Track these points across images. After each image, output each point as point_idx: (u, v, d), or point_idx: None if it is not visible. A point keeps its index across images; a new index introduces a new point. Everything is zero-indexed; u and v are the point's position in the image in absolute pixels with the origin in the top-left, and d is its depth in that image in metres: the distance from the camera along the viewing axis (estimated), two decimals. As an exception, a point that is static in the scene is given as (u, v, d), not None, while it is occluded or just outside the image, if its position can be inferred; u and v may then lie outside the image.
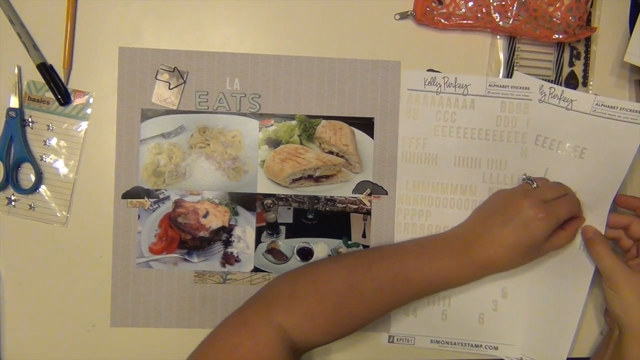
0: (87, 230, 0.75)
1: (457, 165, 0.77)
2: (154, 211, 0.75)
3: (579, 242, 0.76)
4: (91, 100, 0.74)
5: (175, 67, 0.74)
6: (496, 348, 0.78)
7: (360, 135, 0.76)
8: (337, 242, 0.76)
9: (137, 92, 0.74)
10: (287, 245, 0.76)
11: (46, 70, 0.72)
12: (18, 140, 0.73)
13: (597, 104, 0.75)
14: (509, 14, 0.74)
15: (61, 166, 0.75)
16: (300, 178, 0.75)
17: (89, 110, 0.75)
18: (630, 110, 0.74)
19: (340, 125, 0.76)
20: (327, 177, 0.76)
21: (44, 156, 0.75)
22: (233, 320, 0.66)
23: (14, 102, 0.73)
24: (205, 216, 0.75)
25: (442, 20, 0.75)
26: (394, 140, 0.76)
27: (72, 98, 0.74)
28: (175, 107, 0.75)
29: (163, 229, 0.75)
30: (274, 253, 0.76)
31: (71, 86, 0.74)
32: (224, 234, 0.76)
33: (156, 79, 0.74)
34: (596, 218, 0.75)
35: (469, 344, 0.78)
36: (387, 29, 0.76)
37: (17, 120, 0.73)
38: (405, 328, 0.77)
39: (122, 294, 0.75)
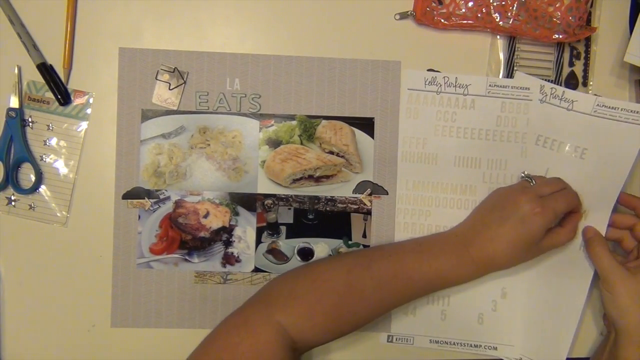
0: (87, 231, 0.75)
1: (457, 165, 0.77)
2: (154, 211, 0.75)
3: (579, 242, 0.76)
4: (91, 100, 0.74)
5: (175, 68, 0.74)
6: (495, 348, 0.78)
7: (360, 135, 0.76)
8: (337, 242, 0.77)
9: (138, 93, 0.74)
10: (288, 245, 0.76)
11: (46, 70, 0.72)
12: (18, 140, 0.73)
13: (598, 105, 0.75)
14: (509, 14, 0.74)
15: (61, 166, 0.75)
16: (301, 178, 0.75)
17: (89, 110, 0.74)
18: (631, 111, 0.74)
19: (341, 125, 0.76)
20: (327, 177, 0.76)
21: (44, 156, 0.74)
22: (233, 320, 0.66)
23: (14, 102, 0.73)
24: (205, 216, 0.75)
25: (442, 20, 0.75)
26: (394, 140, 0.76)
27: (72, 98, 0.74)
28: (175, 108, 0.75)
29: (163, 229, 0.75)
30: (275, 253, 0.76)
31: (71, 86, 0.74)
32: (225, 234, 0.76)
33: (156, 79, 0.74)
34: (598, 219, 0.75)
35: (468, 344, 0.78)
36: (387, 29, 0.76)
37: (17, 120, 0.73)
38: (404, 328, 0.78)
39: (123, 294, 0.75)
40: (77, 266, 0.75)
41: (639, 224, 0.73)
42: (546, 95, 0.76)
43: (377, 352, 0.78)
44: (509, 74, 0.76)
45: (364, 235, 0.77)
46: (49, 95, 0.73)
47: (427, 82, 0.76)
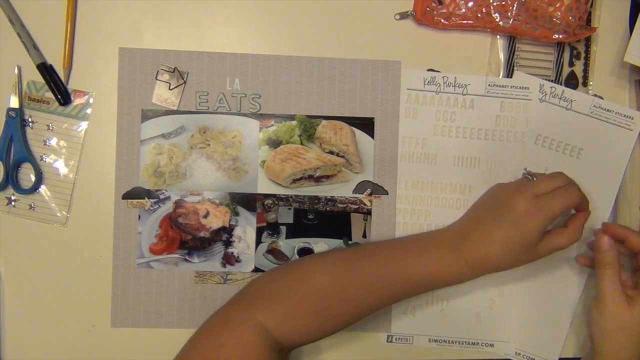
0: (87, 231, 0.75)
1: (456, 165, 0.77)
2: (154, 211, 0.75)
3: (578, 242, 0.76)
4: (91, 100, 0.74)
5: (175, 68, 0.74)
6: (492, 345, 0.78)
7: (360, 135, 0.76)
8: (337, 242, 0.77)
9: (138, 93, 0.74)
10: (288, 245, 0.76)
11: (46, 70, 0.72)
12: (18, 140, 0.73)
13: (594, 106, 0.76)
14: (509, 14, 0.74)
15: (61, 166, 0.75)
16: (301, 178, 0.75)
17: (89, 110, 0.74)
18: (624, 116, 0.75)
19: (341, 125, 0.76)
20: (327, 177, 0.76)
21: (44, 156, 0.74)
22: (216, 320, 0.65)
23: (14, 102, 0.73)
24: (205, 216, 0.75)
25: (442, 20, 0.75)
26: (394, 140, 0.76)
27: (72, 98, 0.74)
28: (175, 108, 0.75)
29: (163, 229, 0.75)
30: (275, 253, 0.76)
31: (71, 86, 0.74)
32: (225, 234, 0.76)
33: (156, 79, 0.74)
34: (596, 220, 0.76)
35: (466, 342, 0.78)
36: (387, 29, 0.76)
37: (17, 120, 0.73)
38: (404, 327, 0.78)
39: (123, 294, 0.75)
40: (77, 266, 0.75)
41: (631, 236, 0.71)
42: (546, 95, 0.76)
43: (377, 352, 0.78)
44: (509, 74, 0.77)
45: (364, 235, 0.77)
46: (49, 95, 0.73)
47: (426, 82, 0.76)
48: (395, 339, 0.78)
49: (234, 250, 0.76)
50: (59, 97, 0.73)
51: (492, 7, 0.74)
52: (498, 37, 0.76)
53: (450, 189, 0.77)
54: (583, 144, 0.76)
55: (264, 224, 0.76)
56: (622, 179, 0.76)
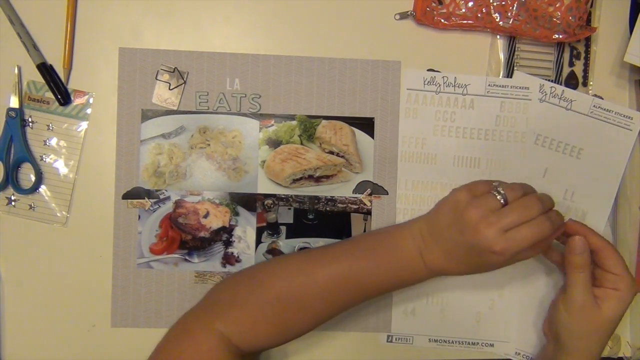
0: (87, 231, 0.75)
1: (456, 165, 0.77)
2: (154, 211, 0.75)
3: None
4: (91, 100, 0.74)
5: (175, 68, 0.74)
6: (492, 345, 0.78)
7: (360, 135, 0.76)
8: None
9: (138, 93, 0.74)
10: (288, 245, 0.76)
11: (46, 70, 0.72)
12: (18, 140, 0.73)
13: (594, 106, 0.76)
14: (509, 14, 0.74)
15: (61, 166, 0.75)
16: (301, 178, 0.75)
17: (89, 110, 0.74)
18: (624, 116, 0.75)
19: (341, 125, 0.76)
20: (327, 177, 0.76)
21: (44, 156, 0.74)
22: (176, 329, 0.65)
23: (14, 102, 0.73)
24: (205, 216, 0.75)
25: (442, 20, 0.75)
26: (394, 140, 0.76)
27: (72, 98, 0.74)
28: (175, 108, 0.75)
29: (163, 229, 0.75)
30: (275, 253, 0.76)
31: (71, 86, 0.74)
32: (225, 234, 0.76)
33: (156, 79, 0.74)
34: (596, 220, 0.76)
35: (466, 342, 0.78)
36: (387, 29, 0.76)
37: (17, 120, 0.73)
38: (404, 327, 0.78)
39: (123, 294, 0.75)
40: (77, 266, 0.75)
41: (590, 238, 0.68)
42: (546, 94, 0.76)
43: (377, 352, 0.78)
44: (509, 74, 0.77)
45: (364, 235, 0.77)
46: (49, 95, 0.73)
47: (426, 82, 0.76)
48: (395, 339, 0.78)
49: (234, 250, 0.76)
50: (59, 97, 0.73)
51: (492, 7, 0.74)
52: (498, 37, 0.76)
53: (450, 189, 0.76)
54: (583, 144, 0.76)
55: (264, 224, 0.76)
56: (622, 178, 0.76)
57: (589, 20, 0.77)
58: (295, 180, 0.75)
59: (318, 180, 0.76)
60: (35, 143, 0.74)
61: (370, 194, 0.76)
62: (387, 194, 0.77)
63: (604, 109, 0.76)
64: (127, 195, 0.75)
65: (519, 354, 0.78)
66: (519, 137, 0.76)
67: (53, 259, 0.75)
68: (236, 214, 0.76)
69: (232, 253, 0.76)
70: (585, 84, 0.77)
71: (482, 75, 0.76)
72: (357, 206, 0.77)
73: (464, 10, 0.75)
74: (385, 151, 0.76)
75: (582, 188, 0.76)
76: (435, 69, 0.76)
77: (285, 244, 0.76)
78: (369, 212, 0.77)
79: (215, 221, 0.75)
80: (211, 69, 0.75)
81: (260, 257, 0.76)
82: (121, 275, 0.75)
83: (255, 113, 0.75)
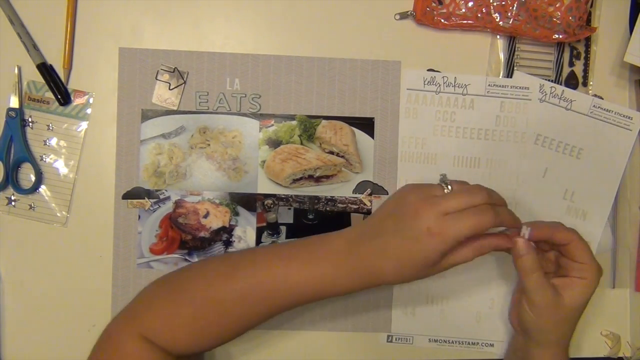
0: (87, 231, 0.75)
1: (456, 165, 0.77)
2: (154, 211, 0.75)
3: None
4: (91, 100, 0.74)
5: (175, 68, 0.74)
6: (492, 345, 0.78)
7: (360, 135, 0.76)
8: (337, 242, 0.76)
9: (137, 93, 0.74)
10: (288, 245, 0.76)
11: (46, 70, 0.72)
12: (18, 140, 0.73)
13: (594, 106, 0.76)
14: (509, 14, 0.74)
15: (61, 166, 0.75)
16: (301, 178, 0.75)
17: (89, 110, 0.74)
18: (624, 116, 0.75)
19: (341, 125, 0.76)
20: (327, 177, 0.76)
21: (44, 156, 0.74)
22: (102, 336, 0.64)
23: (14, 102, 0.73)
24: (205, 216, 0.75)
25: (442, 20, 0.75)
26: (394, 140, 0.76)
27: (72, 98, 0.74)
28: (175, 108, 0.75)
29: (163, 229, 0.75)
30: (275, 253, 0.76)
31: (71, 86, 0.74)
32: (225, 234, 0.76)
33: (156, 79, 0.74)
34: (596, 220, 0.76)
35: (466, 342, 0.78)
36: (387, 29, 0.76)
37: (17, 120, 0.73)
38: (404, 327, 0.78)
39: (123, 295, 0.75)
40: (77, 266, 0.75)
41: (556, 234, 0.66)
42: (546, 95, 0.76)
43: (377, 352, 0.78)
44: (509, 74, 0.77)
45: (364, 235, 0.77)
46: (49, 95, 0.73)
47: (426, 82, 0.76)
48: (395, 339, 0.78)
49: (234, 250, 0.76)
50: (59, 97, 0.73)
51: (492, 7, 0.74)
52: (498, 37, 0.76)
53: (450, 189, 0.77)
54: (583, 144, 0.76)
55: (264, 224, 0.76)
56: (622, 178, 0.76)
57: (589, 20, 0.77)
58: (295, 180, 0.75)
59: (318, 180, 0.76)
60: (35, 143, 0.74)
61: (370, 194, 0.76)
62: (387, 193, 0.77)
63: (604, 109, 0.76)
64: (127, 195, 0.75)
65: (519, 354, 0.78)
66: (519, 137, 0.77)
67: (53, 259, 0.75)
68: (236, 214, 0.76)
69: (232, 253, 0.76)
70: (585, 84, 0.77)
71: (482, 75, 0.77)
72: (357, 206, 0.77)
73: (464, 10, 0.75)
74: (385, 151, 0.76)
75: (582, 188, 0.76)
76: (435, 69, 0.76)
77: (285, 244, 0.76)
78: (369, 212, 0.77)
79: (215, 221, 0.75)
80: (211, 69, 0.75)
81: (260, 257, 0.76)
82: (121, 275, 0.75)
83: (255, 113, 0.75)
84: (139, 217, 0.75)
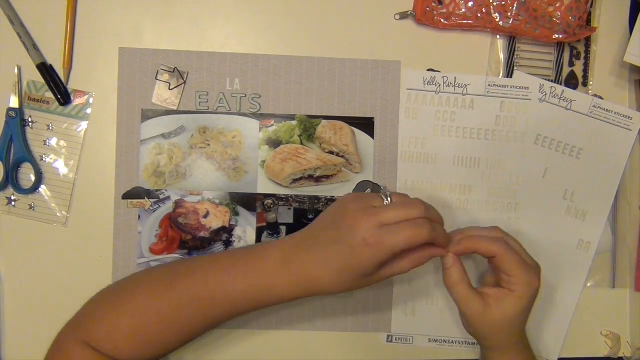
0: (87, 231, 0.75)
1: (456, 165, 0.77)
2: (154, 211, 0.75)
3: (576, 242, 0.76)
4: (91, 100, 0.74)
5: (175, 68, 0.74)
6: (492, 345, 0.78)
7: (360, 135, 0.76)
8: (337, 242, 0.76)
9: (138, 93, 0.74)
10: (288, 245, 0.76)
11: (46, 70, 0.72)
12: (18, 140, 0.73)
13: (594, 106, 0.76)
14: (509, 14, 0.74)
15: (61, 166, 0.75)
16: (301, 178, 0.75)
17: (89, 110, 0.74)
18: (624, 116, 0.75)
19: (341, 125, 0.76)
20: (327, 177, 0.76)
21: (44, 156, 0.74)
22: (51, 347, 0.65)
23: (14, 102, 0.73)
24: (205, 216, 0.75)
25: (442, 20, 0.75)
26: (394, 140, 0.76)
27: (72, 98, 0.74)
28: (175, 108, 0.75)
29: (163, 229, 0.75)
30: (275, 253, 0.76)
31: (71, 86, 0.74)
32: (225, 234, 0.76)
33: (156, 79, 0.74)
34: (596, 221, 0.76)
35: (466, 342, 0.78)
36: (387, 29, 0.76)
37: (17, 120, 0.73)
38: (404, 327, 0.78)
39: (123, 294, 0.75)
40: (77, 266, 0.75)
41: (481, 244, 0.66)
42: (546, 95, 0.76)
43: (377, 352, 0.78)
44: (509, 74, 0.77)
45: (364, 235, 0.77)
46: (49, 95, 0.73)
47: (426, 82, 0.76)
48: (395, 339, 0.78)
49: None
50: (59, 97, 0.73)
51: (492, 7, 0.74)
52: (498, 37, 0.77)
53: (450, 189, 0.77)
54: (583, 144, 0.76)
55: (264, 224, 0.76)
56: (622, 178, 0.76)
57: (589, 20, 0.77)
58: (295, 180, 0.75)
59: (318, 180, 0.76)
60: (35, 143, 0.74)
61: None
62: (387, 194, 0.77)
63: (604, 109, 0.76)
64: (127, 195, 0.75)
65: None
66: (519, 137, 0.77)
67: (53, 259, 0.75)
68: (236, 214, 0.76)
69: (232, 253, 0.76)
70: (585, 84, 0.77)
71: (482, 75, 0.77)
72: (357, 206, 0.76)
73: (464, 10, 0.75)
74: (385, 151, 0.76)
75: (582, 188, 0.76)
76: (435, 69, 0.76)
77: (285, 244, 0.76)
78: (369, 212, 0.76)
79: (215, 221, 0.75)
80: (211, 69, 0.75)
81: (260, 257, 0.76)
82: (121, 275, 0.75)
83: (255, 113, 0.75)
84: (139, 217, 0.75)
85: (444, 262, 0.65)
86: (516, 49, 0.77)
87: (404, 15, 0.76)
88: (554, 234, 0.77)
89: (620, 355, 0.79)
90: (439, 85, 0.76)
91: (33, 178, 0.74)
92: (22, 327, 0.75)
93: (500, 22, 0.75)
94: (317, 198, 0.76)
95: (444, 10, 0.75)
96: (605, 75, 0.78)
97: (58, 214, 0.75)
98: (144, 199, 0.75)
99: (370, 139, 0.76)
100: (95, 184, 0.75)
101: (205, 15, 0.75)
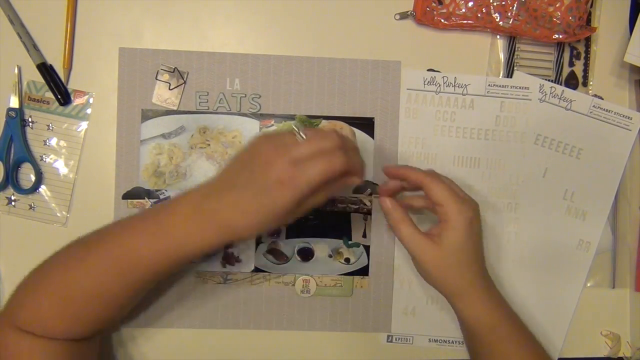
0: (87, 231, 0.74)
1: (456, 165, 0.77)
2: (154, 211, 0.75)
3: (576, 242, 0.76)
4: (91, 100, 0.74)
5: (175, 68, 0.74)
6: (492, 345, 0.78)
7: (360, 135, 0.76)
8: (337, 242, 0.76)
9: (138, 93, 0.74)
10: (288, 245, 0.76)
11: (46, 70, 0.72)
12: (18, 140, 0.73)
13: (593, 106, 0.76)
14: (509, 14, 0.74)
15: (61, 166, 0.74)
16: (301, 178, 0.75)
17: (89, 110, 0.74)
18: (623, 116, 0.75)
19: (341, 125, 0.76)
20: (327, 177, 0.76)
21: (44, 156, 0.74)
22: None
23: (14, 102, 0.73)
24: (205, 216, 0.75)
25: (442, 20, 0.75)
26: (394, 140, 0.76)
27: (72, 98, 0.74)
28: (175, 108, 0.75)
29: (163, 229, 0.75)
30: (275, 253, 0.76)
31: (71, 86, 0.74)
32: (225, 234, 0.76)
33: (156, 79, 0.74)
34: (596, 221, 0.77)
35: (466, 342, 0.78)
36: (387, 29, 0.76)
37: (17, 120, 0.73)
38: (404, 327, 0.78)
39: (123, 294, 0.75)
40: (77, 266, 0.75)
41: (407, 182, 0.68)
42: (546, 95, 0.76)
43: (377, 352, 0.78)
44: (509, 74, 0.77)
45: (364, 235, 0.77)
46: (49, 95, 0.73)
47: (426, 82, 0.76)
48: (395, 339, 0.78)
49: (234, 250, 0.76)
50: (59, 97, 0.73)
51: (492, 7, 0.75)
52: (498, 37, 0.77)
53: (450, 189, 0.77)
54: (582, 144, 0.76)
55: (264, 224, 0.76)
56: (622, 178, 0.76)
57: (589, 20, 0.77)
58: (295, 180, 0.75)
59: (318, 180, 0.76)
60: (35, 143, 0.74)
61: (370, 194, 0.76)
62: (387, 194, 0.76)
63: (604, 109, 0.76)
64: (127, 195, 0.75)
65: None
66: (519, 137, 0.77)
67: (53, 259, 0.75)
68: (236, 214, 0.75)
69: (232, 253, 0.76)
70: (585, 84, 0.77)
71: (482, 75, 0.77)
72: (357, 206, 0.77)
73: (464, 10, 0.75)
74: (385, 151, 0.76)
75: (582, 188, 0.76)
76: (435, 69, 0.76)
77: (285, 244, 0.76)
78: (369, 212, 0.77)
79: (215, 221, 0.75)
80: (211, 69, 0.75)
81: (260, 257, 0.76)
82: (121, 275, 0.75)
83: (255, 113, 0.75)
84: (139, 217, 0.75)
85: (384, 207, 0.67)
86: (516, 49, 0.77)
87: (404, 15, 0.76)
88: (554, 234, 0.77)
89: (620, 355, 0.79)
90: (439, 85, 0.76)
91: (33, 178, 0.74)
92: (22, 327, 0.75)
93: (500, 22, 0.75)
94: (317, 198, 0.76)
95: (444, 10, 0.75)
96: (605, 75, 0.78)
97: (58, 214, 0.75)
98: (144, 199, 0.75)
99: (370, 138, 0.76)
100: (95, 184, 0.75)
101: (205, 15, 0.75)
